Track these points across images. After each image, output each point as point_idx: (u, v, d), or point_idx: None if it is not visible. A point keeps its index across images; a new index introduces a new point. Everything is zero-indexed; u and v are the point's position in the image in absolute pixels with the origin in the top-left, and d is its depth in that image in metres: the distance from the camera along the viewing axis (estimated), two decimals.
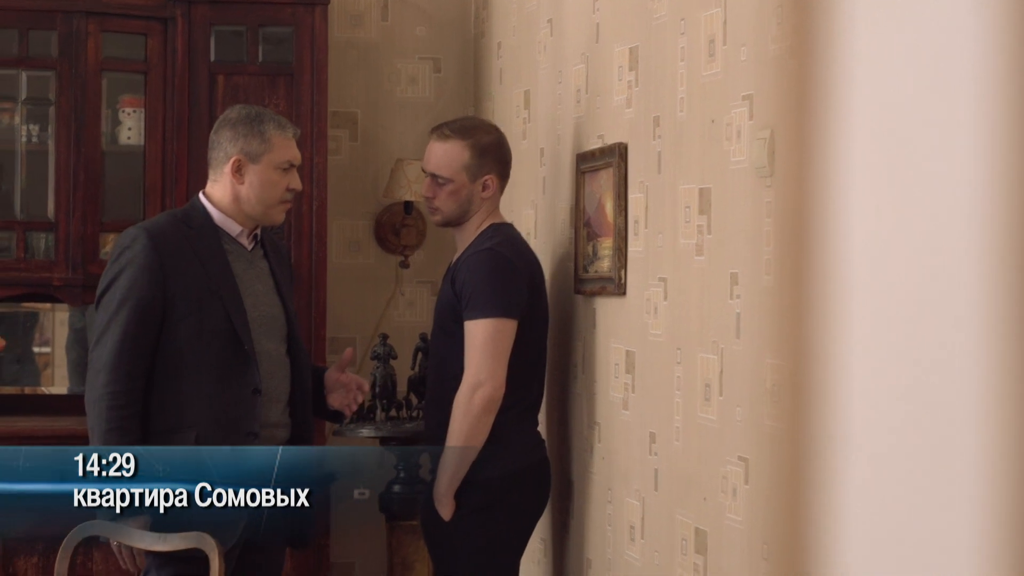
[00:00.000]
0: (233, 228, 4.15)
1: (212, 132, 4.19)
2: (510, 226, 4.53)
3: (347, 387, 4.31)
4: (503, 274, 4.32)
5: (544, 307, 4.48)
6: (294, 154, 4.16)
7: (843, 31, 1.74)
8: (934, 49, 1.60)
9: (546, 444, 4.56)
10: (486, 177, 4.45)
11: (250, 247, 4.18)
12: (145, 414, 4.02)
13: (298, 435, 4.24)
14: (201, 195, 4.19)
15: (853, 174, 1.70)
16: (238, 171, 4.11)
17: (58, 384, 6.03)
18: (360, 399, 4.34)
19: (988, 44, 1.54)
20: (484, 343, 4.27)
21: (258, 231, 4.21)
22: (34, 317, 6.07)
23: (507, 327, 4.30)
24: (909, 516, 1.56)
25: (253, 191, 4.12)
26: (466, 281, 4.32)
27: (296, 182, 4.17)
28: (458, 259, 4.44)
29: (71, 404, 5.70)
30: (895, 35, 1.66)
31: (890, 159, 1.65)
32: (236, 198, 4.13)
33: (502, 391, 4.28)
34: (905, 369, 1.62)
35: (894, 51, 1.65)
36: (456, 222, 4.48)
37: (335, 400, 4.32)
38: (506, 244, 4.39)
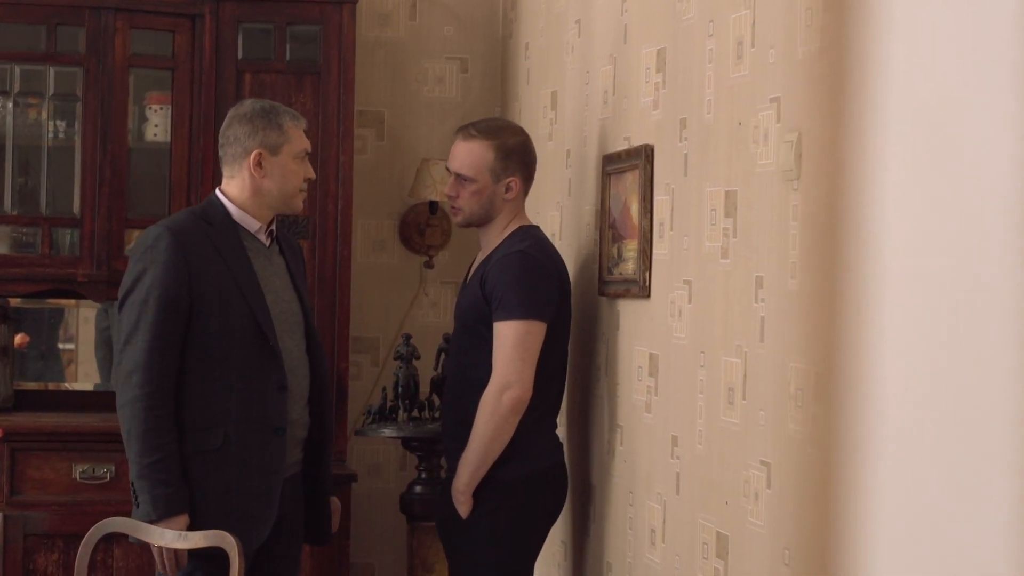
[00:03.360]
0: (252, 224, 4.16)
1: (224, 128, 4.19)
2: (537, 228, 4.53)
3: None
4: (535, 277, 4.33)
5: (569, 311, 4.47)
6: (307, 143, 4.23)
7: (876, 32, 1.72)
8: (970, 50, 1.57)
9: (567, 446, 4.54)
10: (510, 179, 4.45)
11: (268, 243, 4.19)
12: (175, 412, 4.02)
13: (317, 432, 4.24)
14: (218, 192, 4.20)
15: (885, 178, 1.67)
16: (259, 164, 4.13)
17: (82, 380, 6.02)
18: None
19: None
20: (514, 345, 4.27)
21: (274, 227, 4.22)
22: (59, 313, 6.07)
23: (537, 329, 4.30)
24: (938, 524, 1.53)
25: (275, 182, 4.15)
26: (497, 282, 4.32)
27: (311, 171, 4.23)
28: (486, 260, 4.43)
29: (94, 401, 5.70)
30: (930, 37, 1.64)
31: (924, 163, 1.63)
32: (257, 191, 4.15)
33: (530, 393, 4.28)
34: (936, 375, 1.59)
35: (929, 53, 1.63)
36: (478, 223, 4.49)
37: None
38: (537, 247, 4.40)
